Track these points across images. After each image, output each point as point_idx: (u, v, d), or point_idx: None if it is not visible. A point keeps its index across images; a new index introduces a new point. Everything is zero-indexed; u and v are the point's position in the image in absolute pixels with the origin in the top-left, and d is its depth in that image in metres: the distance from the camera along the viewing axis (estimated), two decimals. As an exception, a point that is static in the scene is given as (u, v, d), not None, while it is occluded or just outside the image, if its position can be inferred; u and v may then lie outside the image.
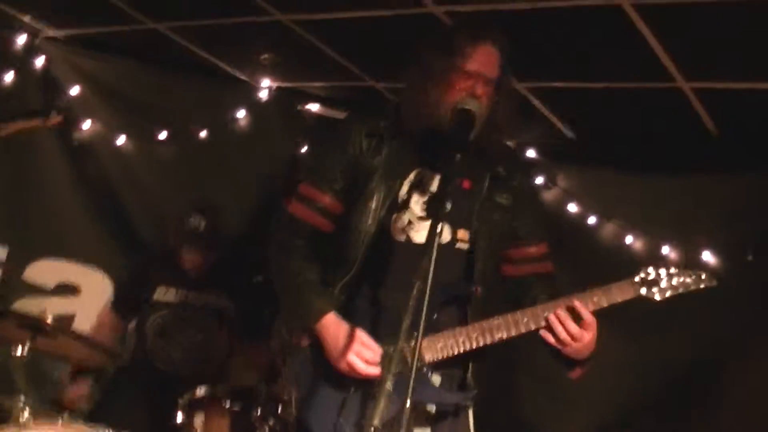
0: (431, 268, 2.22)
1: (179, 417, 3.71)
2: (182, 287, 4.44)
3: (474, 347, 2.62)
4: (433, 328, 2.59)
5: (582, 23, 3.62)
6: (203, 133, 5.10)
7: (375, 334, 2.62)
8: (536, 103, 4.49)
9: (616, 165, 4.62)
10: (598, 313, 2.62)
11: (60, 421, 3.30)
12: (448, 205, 2.37)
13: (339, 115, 4.93)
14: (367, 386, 2.59)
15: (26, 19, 4.88)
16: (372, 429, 2.10)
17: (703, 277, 2.67)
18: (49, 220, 5.08)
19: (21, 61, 4.95)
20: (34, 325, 3.36)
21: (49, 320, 3.35)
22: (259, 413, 3.53)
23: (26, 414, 3.24)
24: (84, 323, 4.65)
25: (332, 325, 2.64)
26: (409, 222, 2.71)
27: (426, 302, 2.18)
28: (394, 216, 2.72)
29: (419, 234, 2.69)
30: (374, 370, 2.57)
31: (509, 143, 3.69)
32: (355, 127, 2.80)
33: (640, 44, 3.62)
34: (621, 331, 3.98)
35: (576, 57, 3.95)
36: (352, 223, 2.72)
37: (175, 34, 4.70)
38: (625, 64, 3.91)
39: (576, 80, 4.23)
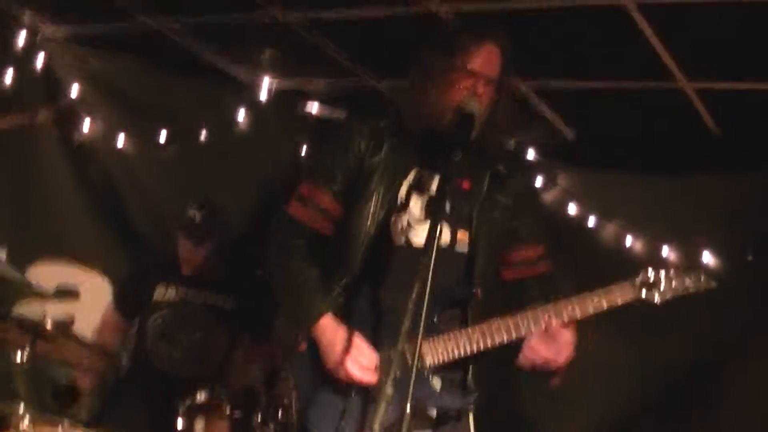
0: (430, 271, 2.21)
1: (180, 423, 3.71)
2: (182, 285, 4.42)
3: (475, 350, 2.61)
4: (433, 331, 2.58)
5: (583, 23, 3.62)
6: (204, 134, 5.10)
7: (375, 336, 2.61)
8: (537, 102, 4.48)
9: (617, 165, 4.61)
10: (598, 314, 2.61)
11: (60, 428, 3.29)
12: (448, 207, 2.36)
13: (339, 115, 4.93)
14: (367, 390, 2.57)
15: (26, 16, 4.86)
16: (373, 433, 2.09)
17: (703, 279, 2.66)
18: (49, 220, 5.06)
19: (21, 59, 4.93)
20: (33, 329, 3.35)
21: (48, 324, 3.33)
22: (259, 418, 3.52)
23: (26, 421, 3.22)
24: (84, 327, 4.64)
25: (329, 329, 2.61)
26: (408, 224, 2.69)
27: (425, 305, 2.17)
28: (393, 218, 2.70)
29: (418, 237, 2.67)
30: (370, 377, 2.56)
31: (509, 143, 3.69)
32: (355, 128, 2.78)
33: (642, 44, 3.62)
34: (621, 331, 3.99)
35: (577, 56, 3.95)
36: (351, 225, 2.71)
37: (177, 34, 4.70)
38: (626, 64, 3.91)
39: (577, 80, 4.23)
